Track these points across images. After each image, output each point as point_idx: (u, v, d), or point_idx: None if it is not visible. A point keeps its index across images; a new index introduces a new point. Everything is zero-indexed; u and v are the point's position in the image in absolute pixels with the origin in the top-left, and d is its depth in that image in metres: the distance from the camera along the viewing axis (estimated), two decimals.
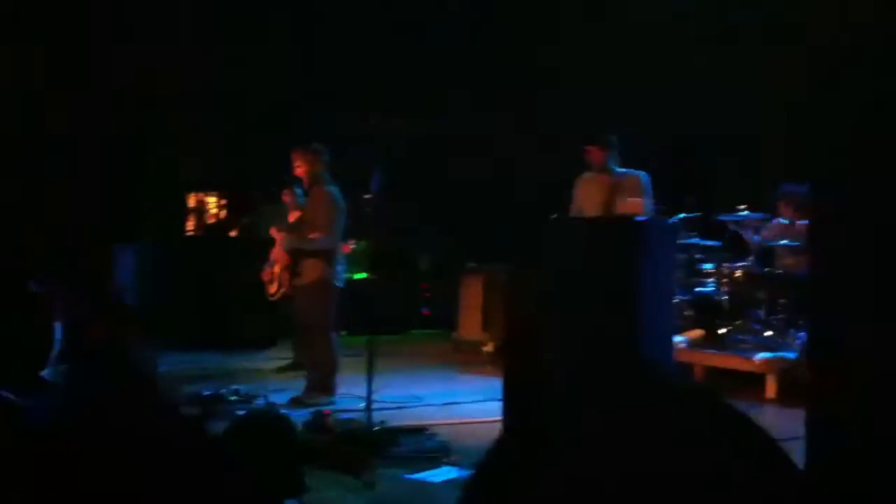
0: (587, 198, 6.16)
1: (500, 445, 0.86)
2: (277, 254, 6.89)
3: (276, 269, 6.82)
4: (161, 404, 2.43)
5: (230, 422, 2.26)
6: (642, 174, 6.07)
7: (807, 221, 6.01)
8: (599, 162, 6.08)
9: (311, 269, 6.42)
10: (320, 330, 6.40)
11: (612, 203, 5.88)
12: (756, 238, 7.50)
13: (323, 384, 6.36)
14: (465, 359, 8.27)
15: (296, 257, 6.50)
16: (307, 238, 6.43)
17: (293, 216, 7.31)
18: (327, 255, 6.42)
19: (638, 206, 5.41)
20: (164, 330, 7.91)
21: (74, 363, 2.78)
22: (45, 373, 5.99)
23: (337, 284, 6.47)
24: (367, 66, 10.05)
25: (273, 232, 6.94)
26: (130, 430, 1.76)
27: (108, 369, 2.31)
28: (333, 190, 6.46)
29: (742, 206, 7.48)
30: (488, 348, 8.59)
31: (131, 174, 9.17)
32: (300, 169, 6.49)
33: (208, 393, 6.01)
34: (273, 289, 6.85)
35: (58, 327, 6.28)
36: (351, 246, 6.78)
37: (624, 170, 6.14)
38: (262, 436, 2.13)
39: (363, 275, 7.88)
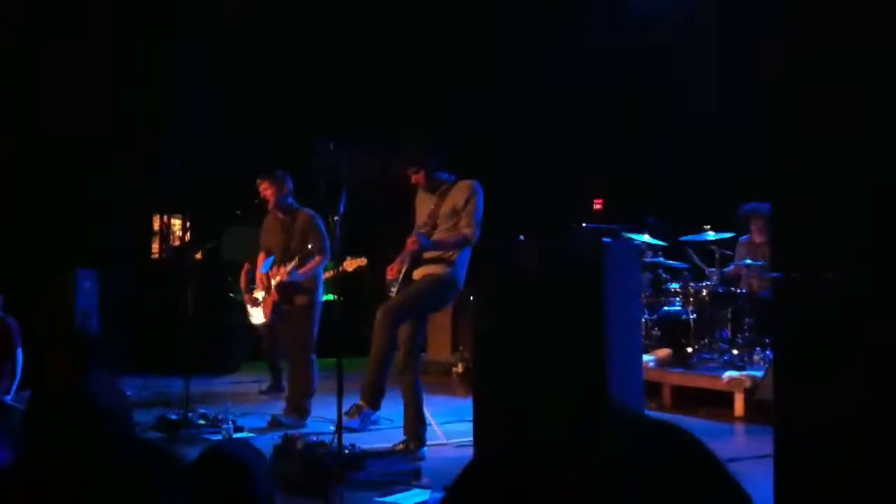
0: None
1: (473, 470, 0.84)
2: (261, 278, 6.73)
3: (267, 294, 6.64)
4: (127, 436, 2.39)
5: (199, 453, 2.21)
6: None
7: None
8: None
9: (302, 293, 6.46)
10: (304, 351, 6.43)
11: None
12: (711, 270, 7.54)
13: (298, 405, 6.35)
14: (435, 380, 8.24)
15: (289, 284, 6.44)
16: (309, 268, 6.42)
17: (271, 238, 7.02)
18: (315, 278, 6.45)
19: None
20: (128, 354, 7.81)
21: (34, 393, 2.73)
22: (8, 398, 5.90)
23: (320, 302, 6.55)
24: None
25: (273, 272, 6.65)
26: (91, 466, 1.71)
27: (69, 401, 2.26)
28: (314, 213, 6.50)
29: (707, 227, 7.53)
30: (458, 370, 8.56)
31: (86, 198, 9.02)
32: (268, 192, 6.51)
33: (174, 417, 5.93)
34: (265, 313, 6.70)
35: (20, 353, 6.20)
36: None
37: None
38: (232, 468, 2.09)
39: (330, 297, 7.83)
